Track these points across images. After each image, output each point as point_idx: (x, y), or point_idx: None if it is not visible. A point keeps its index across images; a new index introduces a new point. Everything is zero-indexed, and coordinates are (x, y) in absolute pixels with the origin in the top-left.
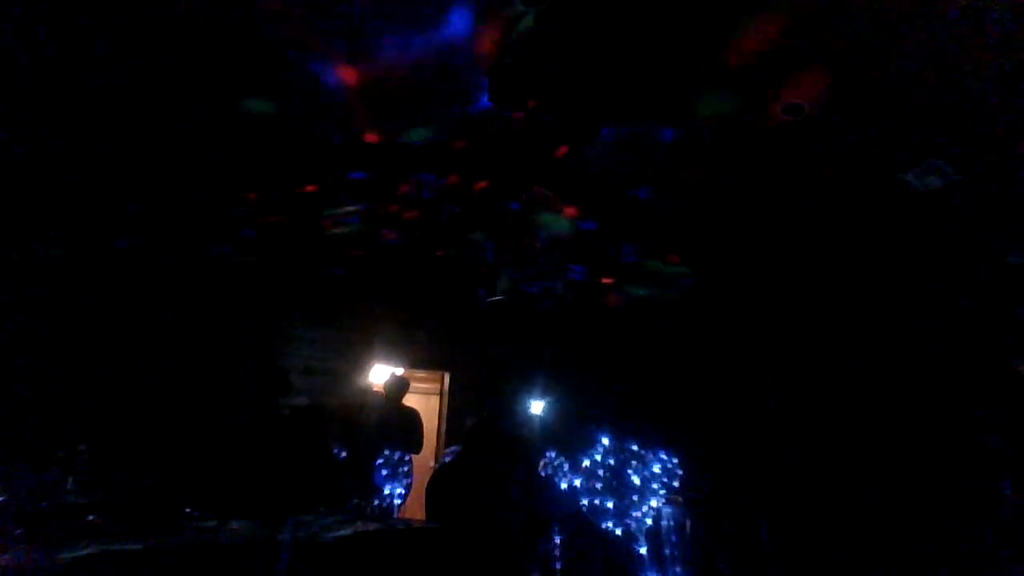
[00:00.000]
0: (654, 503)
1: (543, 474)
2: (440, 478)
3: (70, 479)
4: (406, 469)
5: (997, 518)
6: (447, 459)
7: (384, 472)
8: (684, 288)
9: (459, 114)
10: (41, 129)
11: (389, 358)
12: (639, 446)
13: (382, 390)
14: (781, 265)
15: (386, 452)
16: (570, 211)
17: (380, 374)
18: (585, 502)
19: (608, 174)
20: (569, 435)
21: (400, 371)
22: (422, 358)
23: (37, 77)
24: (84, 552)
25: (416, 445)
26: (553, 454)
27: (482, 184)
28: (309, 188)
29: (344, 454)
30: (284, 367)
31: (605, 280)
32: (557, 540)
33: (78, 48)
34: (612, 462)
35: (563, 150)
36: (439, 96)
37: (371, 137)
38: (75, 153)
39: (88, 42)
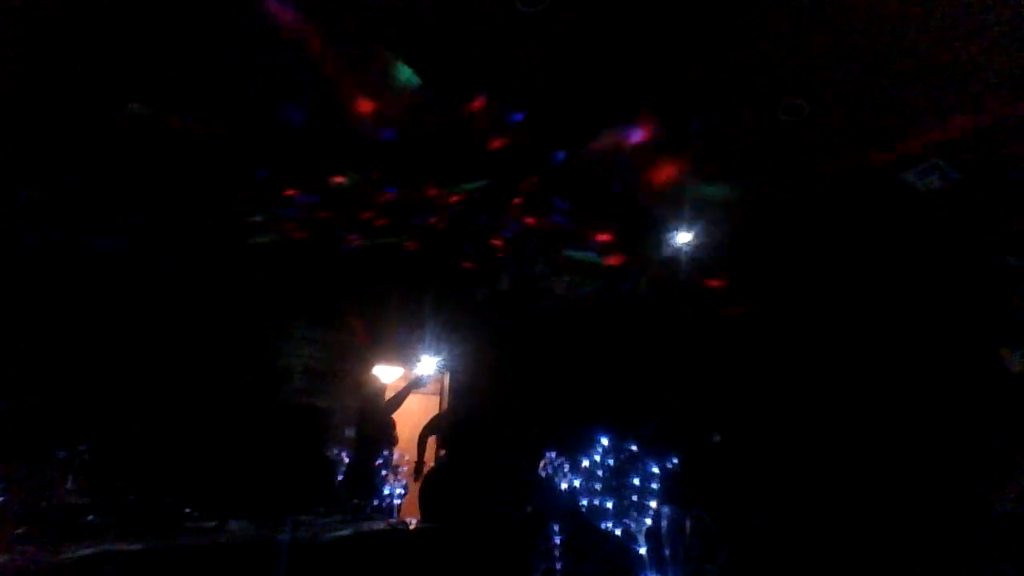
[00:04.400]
0: (654, 503)
1: (543, 474)
2: (433, 479)
3: (70, 479)
4: (405, 470)
5: (996, 519)
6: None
7: (384, 472)
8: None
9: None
10: (39, 127)
11: (389, 358)
12: (639, 447)
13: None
14: (779, 266)
15: (385, 452)
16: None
17: (381, 374)
18: (585, 502)
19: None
20: (569, 435)
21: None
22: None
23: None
24: (84, 552)
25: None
26: (553, 454)
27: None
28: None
29: (344, 454)
30: (281, 367)
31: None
32: (557, 540)
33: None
34: (612, 462)
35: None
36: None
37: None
38: (73, 151)
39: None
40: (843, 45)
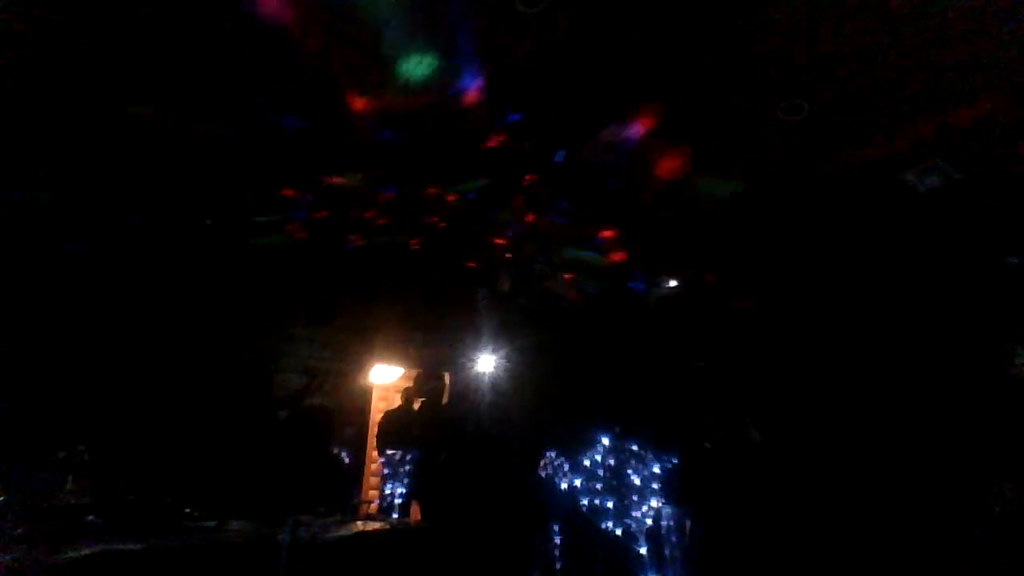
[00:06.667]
0: (654, 503)
1: (543, 474)
2: (433, 479)
3: (70, 479)
4: (406, 469)
5: (996, 518)
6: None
7: (384, 472)
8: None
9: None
10: (37, 129)
11: (389, 358)
12: (639, 446)
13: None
14: (778, 266)
15: (387, 452)
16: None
17: (380, 374)
18: (585, 502)
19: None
20: (569, 435)
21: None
22: (422, 358)
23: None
24: (84, 552)
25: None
26: (553, 454)
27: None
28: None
29: (345, 454)
30: (272, 367)
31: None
32: (557, 540)
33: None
34: (612, 462)
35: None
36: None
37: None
38: (72, 153)
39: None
40: (843, 45)
